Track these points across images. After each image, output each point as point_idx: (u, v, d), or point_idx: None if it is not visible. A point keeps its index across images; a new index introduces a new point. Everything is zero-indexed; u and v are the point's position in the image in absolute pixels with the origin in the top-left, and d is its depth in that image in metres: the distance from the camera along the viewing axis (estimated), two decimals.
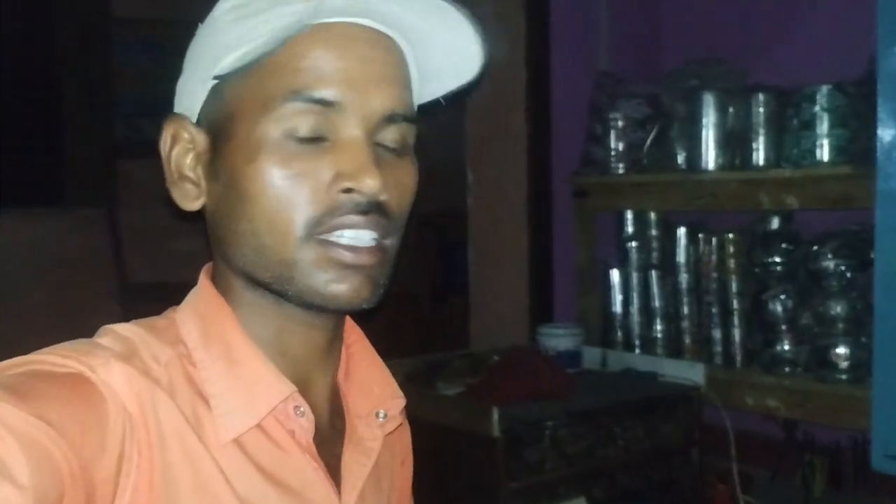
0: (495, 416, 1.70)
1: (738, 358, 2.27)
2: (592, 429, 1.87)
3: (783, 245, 2.19)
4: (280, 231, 0.69)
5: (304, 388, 0.76)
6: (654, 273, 2.46)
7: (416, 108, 0.77)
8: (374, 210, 0.70)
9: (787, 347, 2.17)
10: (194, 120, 0.75)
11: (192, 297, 0.78)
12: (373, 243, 0.71)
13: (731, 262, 2.26)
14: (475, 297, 2.84)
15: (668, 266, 2.44)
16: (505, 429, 1.72)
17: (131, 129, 4.16)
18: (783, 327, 2.17)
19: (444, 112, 0.83)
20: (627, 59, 2.65)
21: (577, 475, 1.84)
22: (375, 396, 0.83)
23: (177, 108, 0.77)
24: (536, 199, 2.63)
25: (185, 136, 0.75)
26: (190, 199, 0.75)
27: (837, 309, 2.07)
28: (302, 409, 0.74)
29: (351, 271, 0.70)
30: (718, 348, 2.31)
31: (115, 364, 0.66)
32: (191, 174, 0.75)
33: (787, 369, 2.16)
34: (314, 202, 0.69)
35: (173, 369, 0.71)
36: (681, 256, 2.38)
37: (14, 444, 0.56)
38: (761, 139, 2.14)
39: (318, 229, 0.69)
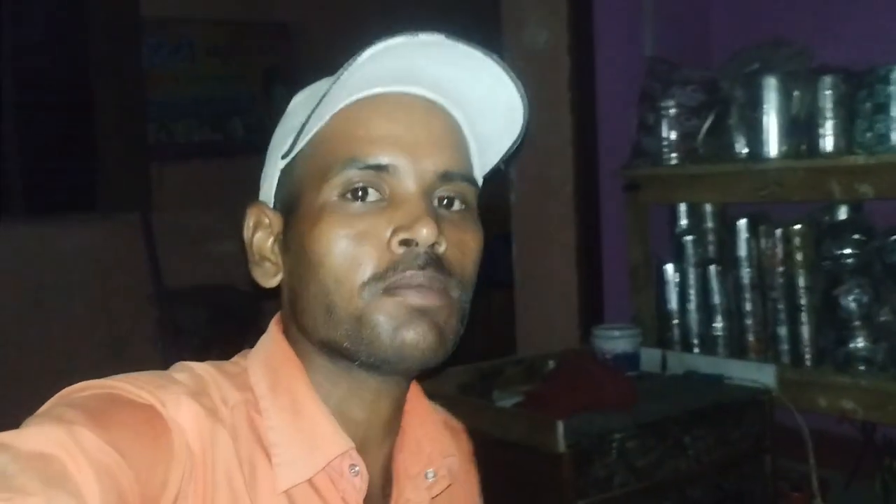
0: (560, 430, 1.60)
1: (808, 357, 2.14)
2: (661, 439, 1.76)
3: (855, 236, 2.06)
4: (347, 288, 0.71)
5: (360, 452, 0.76)
6: (712, 268, 2.34)
7: (475, 174, 0.80)
8: (432, 264, 0.71)
9: (862, 345, 2.04)
10: (271, 205, 0.80)
11: (262, 346, 0.80)
12: (436, 287, 0.72)
13: (799, 256, 2.13)
14: (521, 297, 2.73)
15: (727, 261, 2.32)
16: (571, 443, 1.61)
17: (164, 132, 4.09)
18: (857, 324, 2.04)
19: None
20: (676, 44, 2.52)
21: (647, 490, 1.73)
22: (426, 456, 0.83)
23: (261, 197, 0.81)
24: (583, 193, 2.52)
25: (266, 220, 0.79)
26: (269, 276, 0.79)
27: None
28: (357, 468, 0.74)
29: (418, 316, 0.71)
30: (786, 347, 2.19)
31: (184, 401, 0.69)
32: (269, 255, 0.79)
33: (862, 368, 2.03)
34: (376, 258, 0.71)
35: (238, 414, 0.73)
36: (742, 250, 2.26)
37: (89, 470, 0.59)
38: (830, 124, 2.01)
39: (381, 284, 0.71)
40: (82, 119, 4.14)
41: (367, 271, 0.71)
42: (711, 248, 2.36)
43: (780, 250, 2.17)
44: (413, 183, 0.72)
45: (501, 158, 0.82)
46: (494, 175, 0.84)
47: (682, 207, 2.42)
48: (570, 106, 2.49)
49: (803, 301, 2.14)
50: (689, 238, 2.37)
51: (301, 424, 0.74)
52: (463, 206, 0.76)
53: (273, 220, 0.79)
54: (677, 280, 2.39)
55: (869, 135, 1.94)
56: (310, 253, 0.73)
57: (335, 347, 0.74)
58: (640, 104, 2.42)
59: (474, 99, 0.76)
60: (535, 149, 2.61)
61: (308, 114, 0.72)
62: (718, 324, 2.32)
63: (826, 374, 2.09)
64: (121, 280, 4.01)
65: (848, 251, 2.07)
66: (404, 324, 0.71)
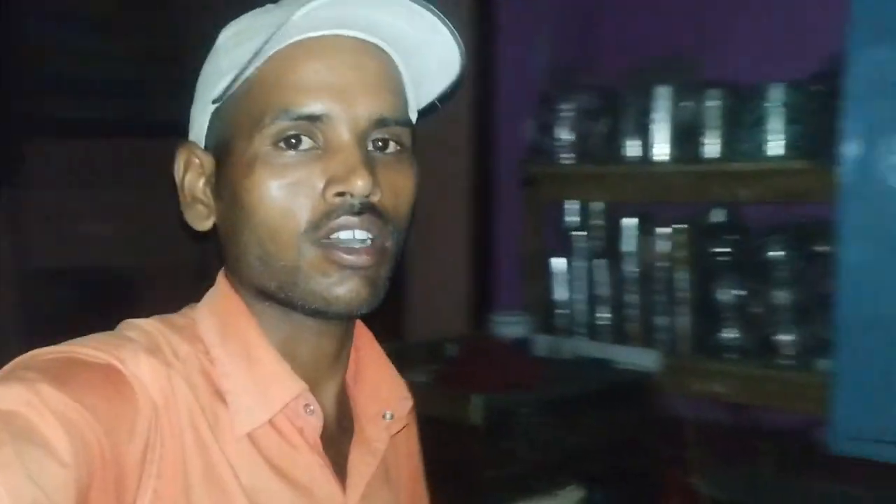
0: (477, 404, 1.69)
1: (685, 345, 2.33)
2: (563, 417, 1.88)
3: (731, 236, 2.26)
4: (282, 238, 0.72)
5: (312, 390, 0.79)
6: (598, 262, 2.49)
7: (411, 111, 0.81)
8: (367, 211, 0.72)
9: (734, 335, 2.24)
10: (202, 145, 0.79)
11: (210, 297, 0.81)
12: (369, 243, 0.73)
13: (680, 253, 2.32)
14: (412, 285, 2.81)
15: (613, 256, 2.48)
16: (484, 417, 1.71)
17: (38, 107, 3.91)
18: (730, 315, 2.24)
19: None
20: (574, 52, 2.67)
21: (548, 465, 1.85)
22: (383, 398, 0.86)
23: (191, 136, 0.80)
24: (479, 187, 2.63)
25: (196, 161, 0.79)
26: (202, 219, 0.79)
27: (785, 297, 2.16)
28: (312, 406, 0.77)
29: (350, 273, 0.72)
30: (664, 336, 2.37)
31: (142, 357, 0.70)
32: (202, 196, 0.79)
33: (733, 356, 2.23)
34: (310, 208, 0.72)
35: (191, 365, 0.74)
36: (628, 246, 2.42)
37: (57, 425, 0.59)
38: (714, 133, 2.20)
39: (316, 233, 0.72)
40: None
41: (301, 222, 0.71)
42: (599, 244, 2.52)
43: (663, 248, 2.35)
44: (347, 130, 0.72)
45: (436, 98, 0.82)
46: (430, 110, 0.84)
47: (573, 205, 2.57)
48: (470, 102, 2.59)
49: (682, 294, 2.33)
50: (578, 233, 2.53)
51: (254, 370, 0.75)
52: (398, 148, 0.76)
53: (204, 162, 0.78)
54: (567, 272, 2.54)
55: (749, 144, 2.14)
56: (243, 202, 0.73)
57: (270, 295, 0.75)
58: (539, 106, 2.55)
59: (409, 42, 0.76)
60: (434, 142, 2.70)
61: (243, 65, 0.72)
62: (603, 314, 2.48)
63: (700, 361, 2.28)
64: None
65: (724, 249, 2.26)
66: (337, 282, 0.72)
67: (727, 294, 2.24)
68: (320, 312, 0.74)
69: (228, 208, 0.75)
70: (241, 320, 0.77)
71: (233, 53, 0.75)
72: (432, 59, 0.77)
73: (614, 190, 2.43)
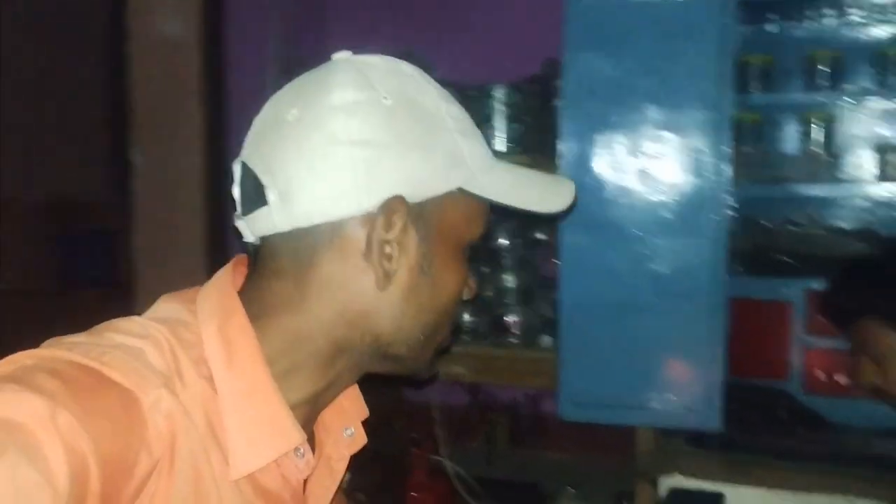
0: None
1: None
2: None
3: None
4: (447, 319, 0.84)
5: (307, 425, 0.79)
6: None
7: None
8: None
9: (468, 318, 2.40)
10: (408, 203, 0.77)
11: (216, 311, 0.75)
12: None
13: None
14: (141, 290, 2.70)
15: None
16: None
17: None
18: (464, 300, 2.39)
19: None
20: (308, 42, 2.70)
21: None
22: (346, 414, 0.88)
23: (402, 191, 0.75)
24: (213, 185, 2.58)
25: (398, 223, 0.75)
26: (388, 279, 0.76)
27: (511, 282, 2.35)
28: (302, 450, 0.76)
29: None
30: None
31: (164, 396, 0.67)
32: (390, 263, 0.76)
33: (468, 339, 2.39)
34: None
35: (194, 393, 0.70)
36: None
37: (62, 452, 0.58)
38: None
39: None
40: None
41: (456, 312, 0.85)
42: None
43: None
44: None
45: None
46: None
47: None
48: (200, 99, 2.53)
49: None
50: None
51: (257, 413, 0.72)
52: None
53: (416, 229, 0.77)
54: None
55: None
56: (440, 278, 0.79)
57: (388, 347, 0.79)
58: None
59: None
60: (163, 138, 2.62)
61: (491, 171, 0.82)
62: None
63: None
64: None
65: None
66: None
67: None
68: (418, 378, 0.86)
69: (429, 285, 0.78)
70: (249, 350, 0.73)
71: (467, 146, 0.81)
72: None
73: None
